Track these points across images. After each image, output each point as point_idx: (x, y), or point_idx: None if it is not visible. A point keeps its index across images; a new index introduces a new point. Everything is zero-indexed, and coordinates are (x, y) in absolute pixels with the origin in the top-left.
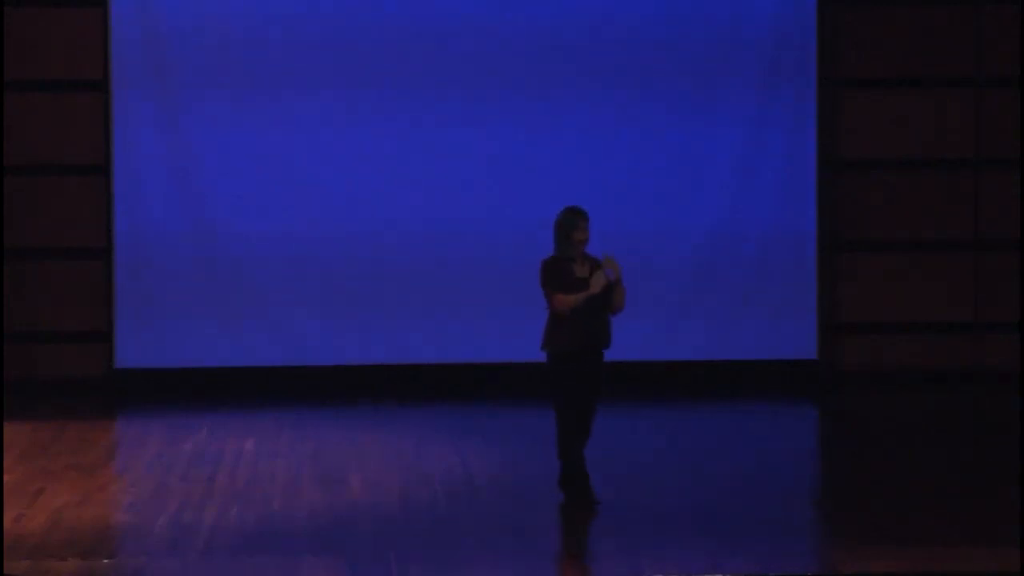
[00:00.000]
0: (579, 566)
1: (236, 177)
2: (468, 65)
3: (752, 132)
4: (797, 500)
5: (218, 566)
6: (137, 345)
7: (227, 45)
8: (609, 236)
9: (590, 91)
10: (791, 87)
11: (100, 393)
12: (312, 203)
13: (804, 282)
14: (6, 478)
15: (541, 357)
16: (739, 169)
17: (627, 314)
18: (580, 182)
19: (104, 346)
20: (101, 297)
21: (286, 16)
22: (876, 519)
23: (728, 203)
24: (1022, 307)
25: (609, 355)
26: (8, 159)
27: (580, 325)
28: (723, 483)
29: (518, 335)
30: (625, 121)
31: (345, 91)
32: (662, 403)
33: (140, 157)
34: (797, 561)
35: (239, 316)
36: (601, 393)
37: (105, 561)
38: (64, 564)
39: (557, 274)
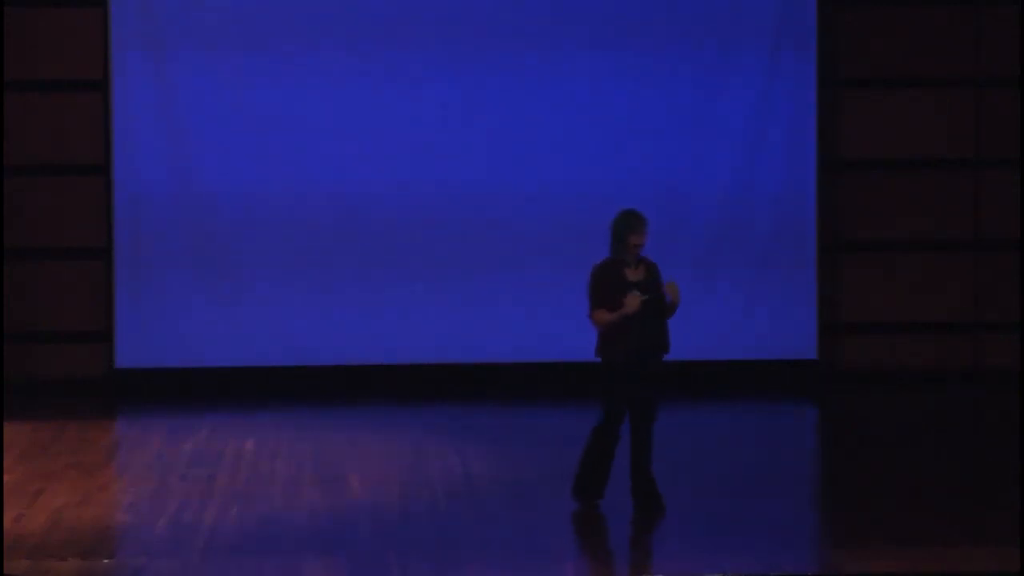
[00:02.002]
0: (579, 566)
1: (238, 177)
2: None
3: (752, 132)
4: (797, 500)
5: (218, 566)
6: (137, 345)
7: (228, 45)
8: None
9: (590, 80)
10: (791, 87)
11: (100, 393)
12: (314, 204)
13: (804, 282)
14: (6, 478)
15: (542, 357)
16: (739, 169)
17: None
18: (581, 172)
19: (104, 346)
20: (101, 297)
21: (289, 17)
22: (876, 519)
23: (728, 203)
24: (1022, 307)
25: None
26: (8, 159)
27: (633, 331)
28: (723, 483)
29: (519, 335)
30: (626, 122)
31: (353, 88)
32: (662, 403)
33: (140, 157)
34: (797, 561)
35: (240, 316)
36: (656, 401)
37: (105, 561)
38: (64, 564)
39: (606, 282)
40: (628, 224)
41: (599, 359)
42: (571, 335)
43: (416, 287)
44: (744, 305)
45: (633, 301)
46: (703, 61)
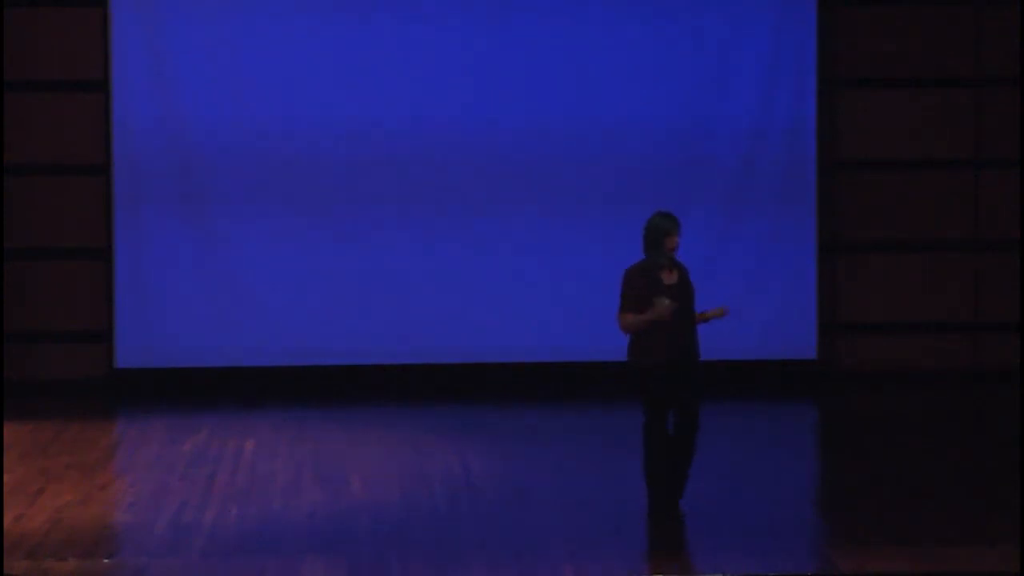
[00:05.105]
0: (579, 566)
1: (239, 177)
2: None
3: (752, 132)
4: (797, 500)
5: (218, 566)
6: (137, 345)
7: (228, 43)
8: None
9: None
10: (791, 87)
11: (100, 393)
12: (315, 206)
13: (804, 282)
14: (6, 478)
15: (541, 357)
16: (738, 168)
17: None
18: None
19: (104, 346)
20: (101, 297)
21: (292, 17)
22: (876, 519)
23: (728, 202)
24: (1022, 307)
25: (610, 355)
26: (8, 159)
27: (665, 337)
28: (723, 483)
29: (519, 335)
30: (626, 120)
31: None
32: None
33: (140, 157)
34: (797, 561)
35: (240, 316)
36: (696, 406)
37: (105, 561)
38: (64, 564)
39: (639, 285)
40: (664, 227)
41: (630, 362)
42: (572, 335)
43: (415, 287)
44: (744, 305)
45: (661, 306)
46: (703, 62)
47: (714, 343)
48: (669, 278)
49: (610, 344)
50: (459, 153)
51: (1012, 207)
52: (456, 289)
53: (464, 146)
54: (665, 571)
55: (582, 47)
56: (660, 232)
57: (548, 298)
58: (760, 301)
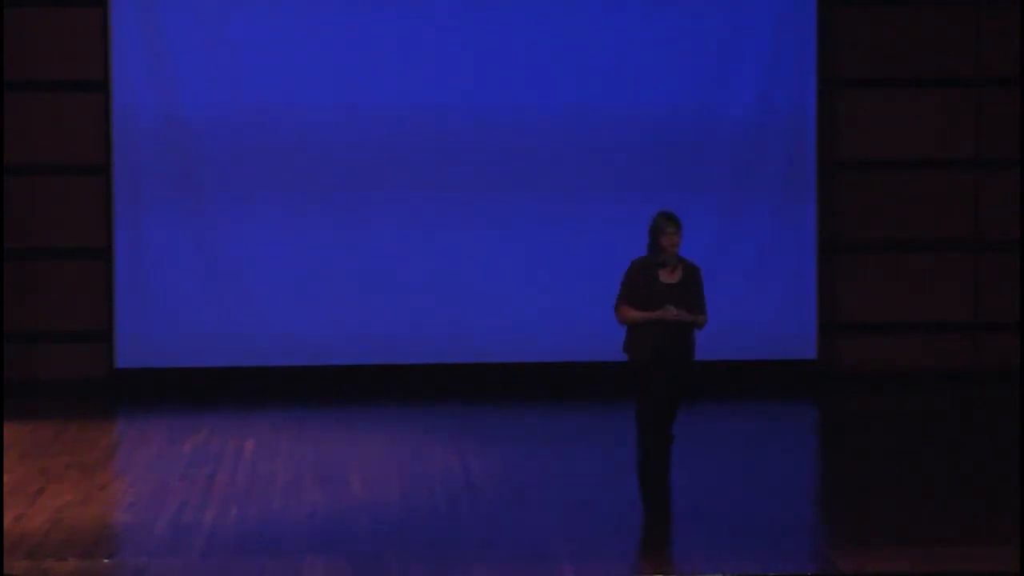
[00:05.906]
0: (579, 566)
1: (239, 177)
2: None
3: (752, 131)
4: (797, 500)
5: (218, 566)
6: (137, 345)
7: (228, 44)
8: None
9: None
10: (791, 86)
11: (100, 393)
12: (315, 207)
13: (804, 282)
14: (6, 478)
15: (542, 357)
16: (739, 169)
17: None
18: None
19: (104, 346)
20: (101, 297)
21: (290, 16)
22: (876, 519)
23: (728, 203)
24: (1022, 307)
25: (609, 355)
26: (8, 159)
27: (660, 332)
28: (723, 483)
29: (519, 335)
30: (626, 123)
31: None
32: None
33: (140, 157)
34: (797, 561)
35: (239, 317)
36: (679, 401)
37: (105, 561)
38: (64, 564)
39: (637, 280)
40: (659, 226)
41: (626, 357)
42: (572, 335)
43: (416, 287)
44: (744, 305)
45: (668, 313)
46: (703, 62)
47: (714, 343)
48: (670, 277)
49: (610, 344)
50: (460, 151)
51: (1012, 207)
52: (456, 289)
53: (465, 144)
54: (665, 571)
55: (582, 45)
56: (656, 231)
57: (548, 298)
58: (760, 301)
